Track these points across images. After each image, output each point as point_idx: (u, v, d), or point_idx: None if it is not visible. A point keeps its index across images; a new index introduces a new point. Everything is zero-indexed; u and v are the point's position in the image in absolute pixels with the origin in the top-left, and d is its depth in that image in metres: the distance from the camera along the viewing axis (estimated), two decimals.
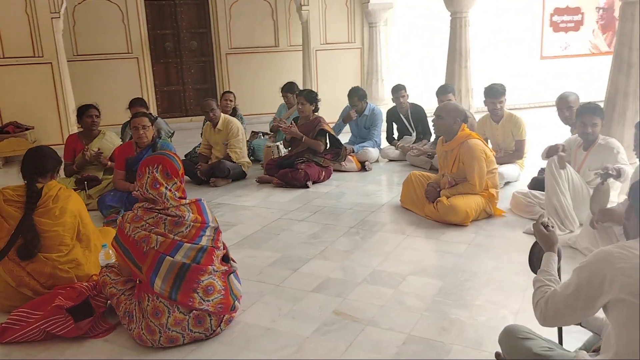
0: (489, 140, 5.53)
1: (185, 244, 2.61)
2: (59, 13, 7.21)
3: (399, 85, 6.65)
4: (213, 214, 2.83)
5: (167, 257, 2.57)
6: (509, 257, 3.59)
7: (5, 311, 2.91)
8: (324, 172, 5.64)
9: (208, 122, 5.84)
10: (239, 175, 5.83)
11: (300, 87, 7.98)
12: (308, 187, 5.44)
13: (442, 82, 6.42)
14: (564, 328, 2.27)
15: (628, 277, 1.80)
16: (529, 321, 2.22)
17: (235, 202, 5.10)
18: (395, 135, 6.87)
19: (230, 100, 6.76)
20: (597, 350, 2.10)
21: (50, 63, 7.31)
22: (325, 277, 3.34)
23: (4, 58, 7.14)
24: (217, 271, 2.68)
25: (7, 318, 2.77)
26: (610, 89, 4.22)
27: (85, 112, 5.14)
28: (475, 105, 6.73)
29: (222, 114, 5.82)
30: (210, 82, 10.12)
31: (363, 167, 6.14)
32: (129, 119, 5.54)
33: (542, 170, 4.66)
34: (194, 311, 2.58)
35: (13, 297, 2.94)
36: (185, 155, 6.16)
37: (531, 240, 3.85)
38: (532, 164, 5.38)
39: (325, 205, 4.88)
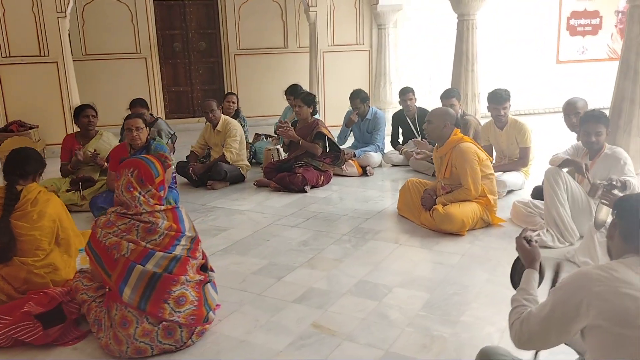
0: (493, 147, 5.38)
1: (157, 252, 2.52)
2: (65, 12, 7.21)
3: (407, 87, 6.52)
4: (192, 222, 2.75)
5: (138, 265, 2.49)
6: (503, 270, 3.43)
7: None
8: (322, 177, 5.53)
9: (208, 122, 5.77)
10: (237, 178, 5.75)
11: (307, 89, 7.91)
12: (306, 191, 5.34)
13: (449, 86, 6.28)
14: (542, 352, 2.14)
15: (605, 301, 1.67)
16: None
17: (230, 205, 5.01)
18: (401, 140, 6.74)
19: (233, 102, 6.70)
20: None
21: (56, 62, 7.30)
22: (308, 287, 3.24)
23: (10, 57, 7.16)
24: (190, 281, 2.59)
25: None
26: (616, 95, 4.05)
27: (82, 112, 5.11)
28: (482, 111, 6.56)
29: (222, 115, 5.75)
30: (218, 82, 10.08)
31: (364, 172, 6.02)
32: None
33: None
34: (164, 322, 2.50)
35: None
36: (187, 157, 6.09)
37: None
38: (537, 172, 5.19)
39: (320, 211, 4.77)
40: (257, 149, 6.68)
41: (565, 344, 2.09)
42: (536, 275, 2.08)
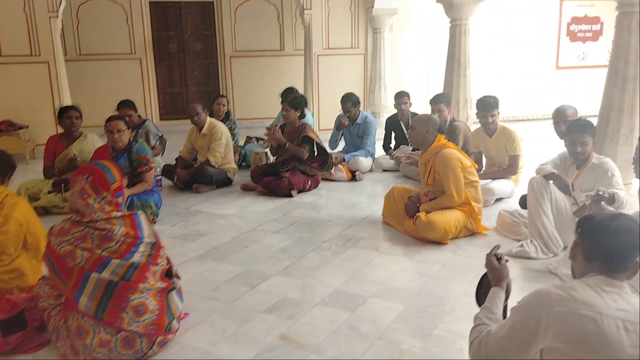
0: (483, 154, 5.30)
1: (113, 260, 2.45)
2: (57, 12, 7.17)
3: (402, 92, 6.47)
4: (152, 228, 2.67)
5: (94, 273, 2.41)
6: None
7: None
8: (310, 181, 5.46)
9: (193, 126, 5.71)
10: (224, 182, 5.68)
11: (301, 93, 7.83)
12: (292, 196, 5.26)
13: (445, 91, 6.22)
14: None
15: (564, 323, 1.59)
16: None
17: (214, 210, 4.94)
18: (393, 144, 6.67)
19: (223, 105, 6.63)
20: None
21: (47, 62, 7.26)
22: (282, 297, 3.16)
23: (1, 56, 7.12)
24: (150, 289, 2.52)
25: None
26: (604, 104, 3.96)
27: (65, 114, 5.05)
28: (475, 117, 6.46)
29: (208, 119, 5.68)
30: (214, 84, 10.03)
31: (354, 177, 5.95)
32: None
33: None
34: (122, 332, 2.43)
35: None
36: (176, 159, 6.02)
37: (514, 262, 3.66)
38: (527, 180, 5.09)
39: (304, 216, 4.69)
40: (248, 152, 6.61)
41: None
42: (502, 294, 2.01)
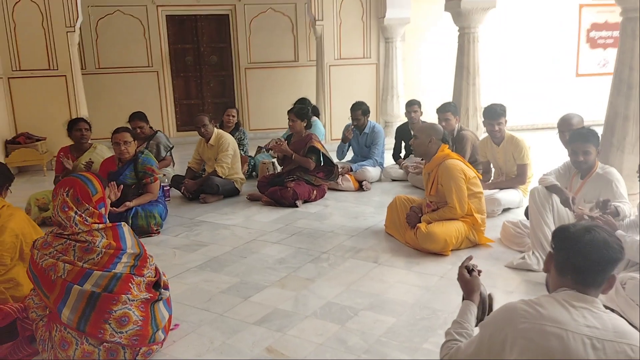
0: (491, 164, 5.21)
1: (95, 271, 2.46)
2: (74, 27, 7.35)
3: (412, 100, 6.45)
4: (136, 239, 2.68)
5: (75, 285, 2.43)
6: None
7: None
8: (315, 191, 5.44)
9: (201, 137, 5.77)
10: (232, 192, 5.71)
11: (313, 103, 7.86)
12: (297, 206, 5.26)
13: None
14: None
15: (529, 340, 1.54)
16: None
17: (218, 220, 4.97)
18: (403, 153, 6.62)
19: (233, 116, 6.69)
20: None
21: (65, 76, 7.44)
22: (273, 308, 3.14)
23: (20, 70, 7.33)
24: (133, 300, 2.52)
25: None
26: (609, 112, 3.85)
27: (75, 126, 5.17)
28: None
29: (215, 130, 5.73)
30: (229, 96, 10.13)
31: (361, 187, 5.91)
32: None
33: None
34: (105, 343, 2.44)
35: None
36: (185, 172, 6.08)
37: (515, 274, 3.58)
38: None
39: (306, 227, 4.68)
40: (257, 162, 6.64)
41: None
42: (473, 308, 1.95)
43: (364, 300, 3.23)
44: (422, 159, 5.75)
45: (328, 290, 3.38)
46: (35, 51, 7.31)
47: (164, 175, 5.90)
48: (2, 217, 3.02)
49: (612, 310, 1.64)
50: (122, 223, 2.68)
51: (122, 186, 4.50)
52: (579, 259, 1.63)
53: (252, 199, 5.55)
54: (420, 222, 4.09)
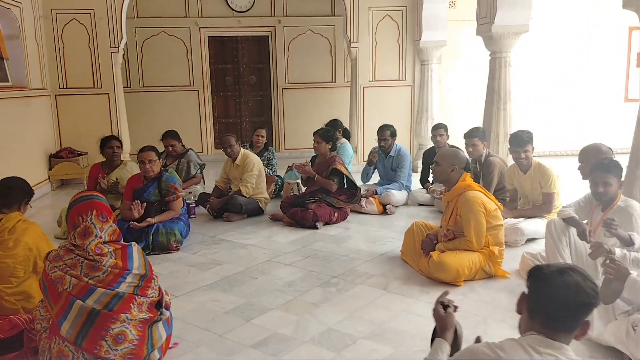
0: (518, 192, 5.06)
1: (98, 288, 2.54)
2: (118, 48, 7.70)
3: (439, 124, 6.38)
4: (145, 259, 2.74)
5: (78, 300, 2.52)
6: (485, 328, 3.18)
7: None
8: (336, 214, 5.43)
9: (228, 157, 5.89)
10: (255, 211, 5.78)
11: (346, 125, 7.89)
12: (317, 228, 5.26)
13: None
14: None
15: None
16: None
17: (238, 239, 5.03)
18: (431, 178, 6.51)
19: (262, 136, 6.79)
20: None
21: (107, 94, 7.79)
22: (273, 332, 3.14)
23: (66, 88, 7.72)
24: (132, 319, 2.58)
25: None
26: (635, 142, 3.68)
27: (107, 144, 5.39)
28: None
29: (241, 150, 5.84)
30: (267, 115, 10.31)
31: (385, 211, 5.86)
32: (163, 150, 5.94)
33: None
34: (100, 359, 2.50)
35: None
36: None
37: None
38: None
39: (322, 249, 4.67)
40: (284, 182, 6.70)
41: None
42: (445, 346, 1.90)
43: (365, 328, 3.19)
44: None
45: (331, 316, 3.35)
46: (81, 70, 7.70)
47: (190, 192, 6.04)
48: (18, 231, 3.16)
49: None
50: (133, 243, 2.76)
51: (145, 204, 4.68)
52: (549, 302, 1.56)
53: (275, 219, 5.60)
54: (434, 249, 4.00)
